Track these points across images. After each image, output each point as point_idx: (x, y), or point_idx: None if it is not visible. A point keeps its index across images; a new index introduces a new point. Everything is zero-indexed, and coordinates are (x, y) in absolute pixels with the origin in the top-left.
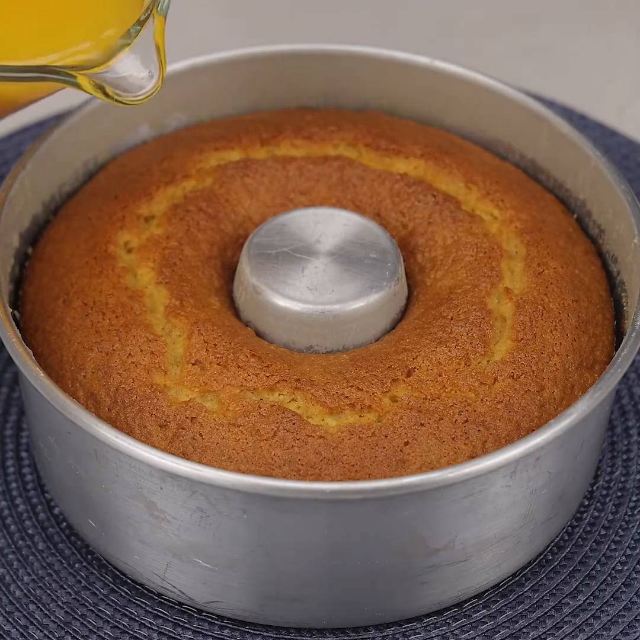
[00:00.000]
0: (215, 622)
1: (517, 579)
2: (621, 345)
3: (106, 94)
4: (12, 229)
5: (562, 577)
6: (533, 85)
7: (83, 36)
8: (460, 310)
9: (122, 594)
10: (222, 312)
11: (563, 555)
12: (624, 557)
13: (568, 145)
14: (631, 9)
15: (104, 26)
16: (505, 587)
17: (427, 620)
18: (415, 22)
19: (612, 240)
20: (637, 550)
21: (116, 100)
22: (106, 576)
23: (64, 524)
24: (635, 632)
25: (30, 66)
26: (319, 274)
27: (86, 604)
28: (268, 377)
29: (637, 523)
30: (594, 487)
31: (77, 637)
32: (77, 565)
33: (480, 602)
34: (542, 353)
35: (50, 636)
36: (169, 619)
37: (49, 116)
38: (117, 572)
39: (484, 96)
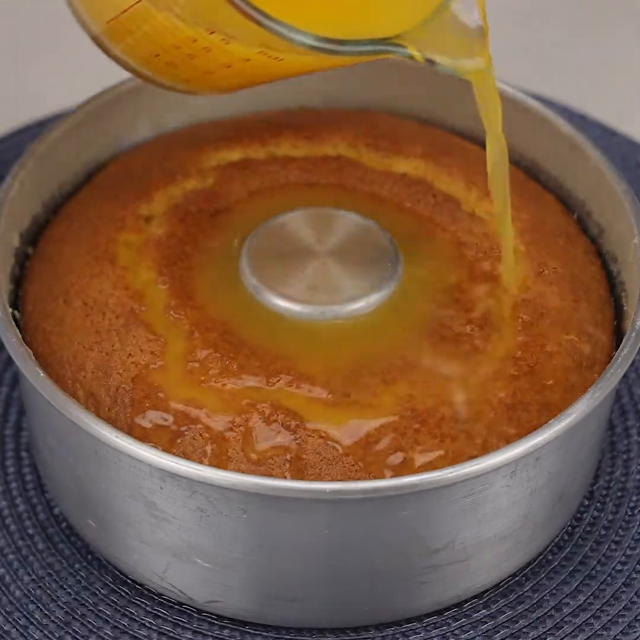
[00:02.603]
0: (215, 622)
1: (517, 579)
2: (621, 345)
3: (434, 62)
4: (12, 229)
5: (562, 577)
6: (533, 85)
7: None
8: (459, 310)
9: (122, 594)
10: (222, 311)
11: (563, 555)
12: (624, 557)
13: (568, 145)
14: (631, 9)
15: None
16: (505, 587)
17: (427, 620)
18: None
19: (612, 240)
20: (637, 550)
21: (454, 69)
22: (106, 576)
23: (64, 524)
24: (635, 632)
25: (376, 40)
26: (319, 274)
27: (86, 604)
28: (268, 376)
29: (637, 523)
30: (594, 487)
31: (77, 637)
32: (77, 565)
33: (480, 602)
34: (542, 353)
35: (50, 636)
36: (169, 619)
37: (49, 116)
38: (117, 572)
39: None
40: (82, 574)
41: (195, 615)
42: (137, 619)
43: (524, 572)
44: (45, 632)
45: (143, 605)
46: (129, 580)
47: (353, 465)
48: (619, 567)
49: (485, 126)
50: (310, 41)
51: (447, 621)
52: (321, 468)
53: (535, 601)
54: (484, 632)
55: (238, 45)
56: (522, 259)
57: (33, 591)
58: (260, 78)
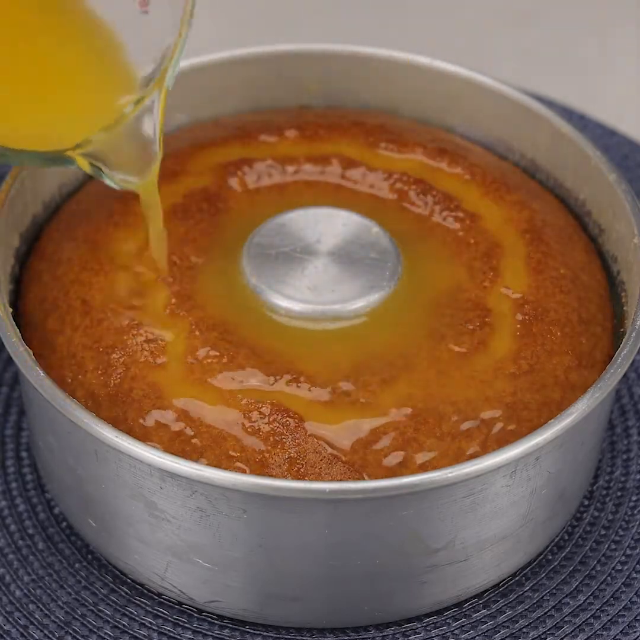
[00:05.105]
0: (215, 622)
1: (517, 578)
2: (621, 345)
3: (103, 175)
4: (12, 229)
5: (562, 577)
6: (533, 85)
7: (86, 121)
8: (459, 309)
9: (122, 594)
10: (222, 310)
11: (563, 555)
12: (624, 557)
13: (568, 145)
14: (631, 9)
15: (102, 104)
16: (505, 586)
17: (427, 620)
18: (415, 22)
19: (612, 240)
20: (637, 550)
21: (113, 181)
22: (106, 576)
23: (64, 523)
24: (635, 632)
25: (43, 154)
26: (319, 274)
27: (86, 604)
28: (268, 375)
29: (637, 523)
30: (594, 487)
31: (77, 637)
32: (77, 565)
33: (480, 601)
34: (542, 353)
35: (50, 636)
36: (169, 619)
37: None
38: (117, 572)
39: (484, 96)
40: (82, 574)
41: (195, 615)
42: (137, 619)
43: (524, 572)
44: (45, 632)
45: (143, 605)
46: (129, 580)
47: (353, 464)
48: (619, 567)
49: (147, 223)
50: None
51: (447, 621)
52: (321, 468)
53: (535, 601)
54: (484, 632)
55: None
56: (522, 259)
57: (33, 591)
58: None
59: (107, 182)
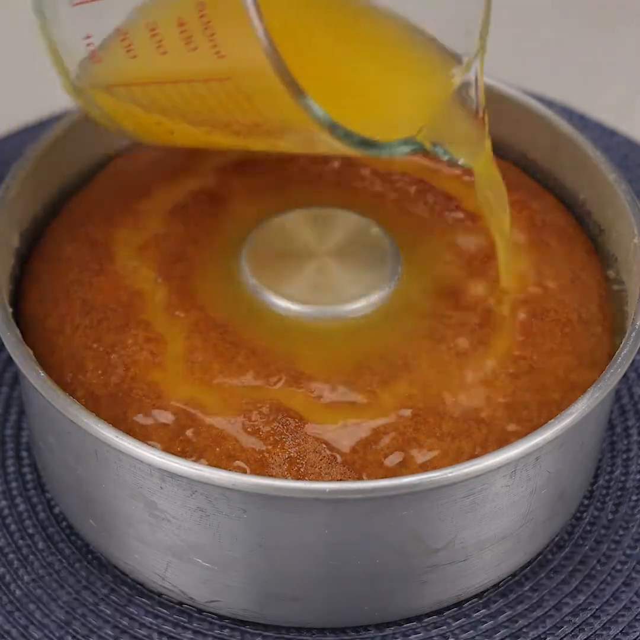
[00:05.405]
0: (215, 622)
1: (517, 578)
2: (621, 345)
3: (444, 152)
4: (12, 229)
5: (562, 577)
6: (533, 85)
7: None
8: (459, 309)
9: (122, 594)
10: (222, 311)
11: (563, 555)
12: (624, 557)
13: (568, 145)
14: (632, 9)
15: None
16: (505, 586)
17: (427, 620)
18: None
19: (612, 240)
20: (637, 550)
21: (455, 157)
22: (106, 576)
23: (64, 523)
24: (635, 632)
25: (406, 141)
26: (319, 274)
27: (86, 604)
28: (268, 375)
29: (637, 523)
30: (594, 487)
31: (77, 637)
32: (77, 565)
33: (480, 601)
34: (542, 353)
35: (50, 636)
36: (169, 619)
37: (49, 116)
38: (117, 572)
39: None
40: (82, 574)
41: (195, 615)
42: (137, 619)
43: (524, 571)
44: (45, 632)
45: (143, 605)
46: (129, 580)
47: (353, 464)
48: (618, 567)
49: (488, 214)
50: (356, 145)
51: (447, 621)
52: (321, 468)
53: (535, 601)
54: (484, 632)
55: (284, 143)
56: (522, 259)
57: (33, 591)
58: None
59: (446, 158)
